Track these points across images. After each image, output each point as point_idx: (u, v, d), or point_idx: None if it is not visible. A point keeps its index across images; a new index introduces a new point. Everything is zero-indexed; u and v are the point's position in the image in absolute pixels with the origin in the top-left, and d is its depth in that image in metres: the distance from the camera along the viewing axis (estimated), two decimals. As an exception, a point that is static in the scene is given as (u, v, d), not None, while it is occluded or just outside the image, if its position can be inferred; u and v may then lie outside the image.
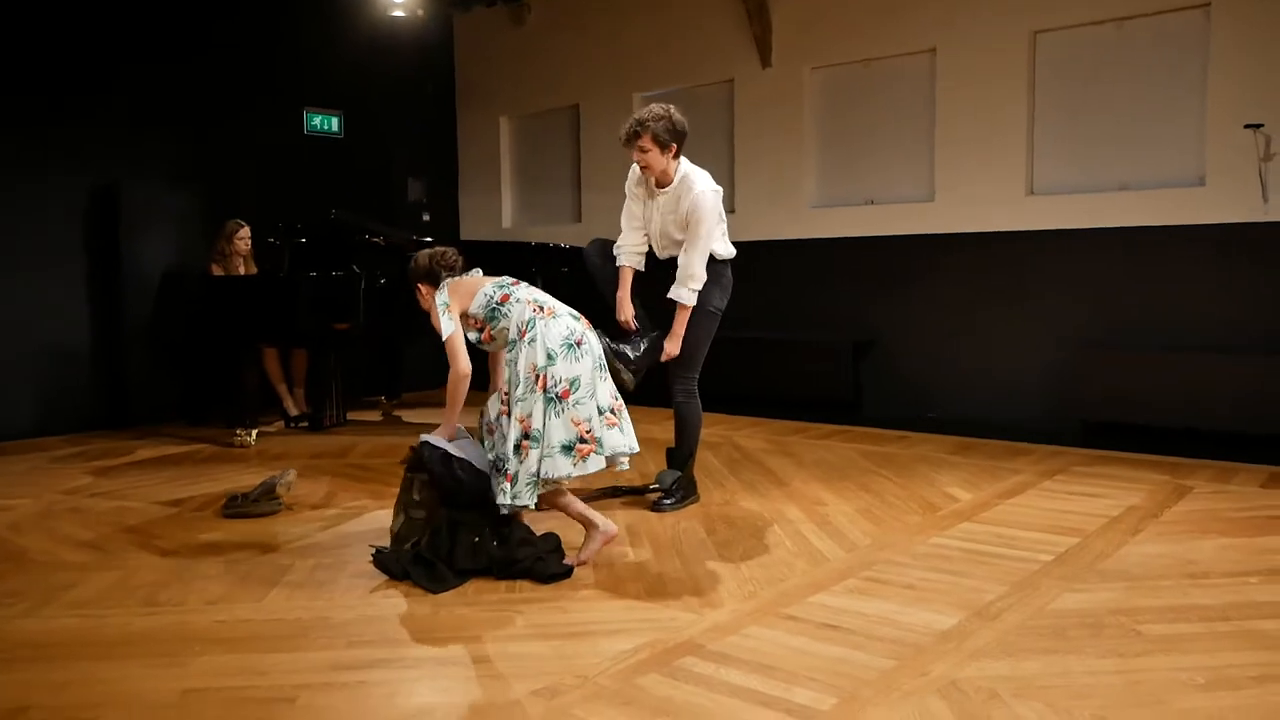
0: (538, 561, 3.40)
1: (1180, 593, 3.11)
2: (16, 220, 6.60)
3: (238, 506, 4.36)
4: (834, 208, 7.13)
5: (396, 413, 7.42)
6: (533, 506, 3.42)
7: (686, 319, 4.22)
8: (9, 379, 6.60)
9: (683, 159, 4.26)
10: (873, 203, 6.95)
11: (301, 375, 7.05)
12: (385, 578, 3.41)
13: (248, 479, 4.98)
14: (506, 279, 3.67)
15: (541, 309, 3.52)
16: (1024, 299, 6.22)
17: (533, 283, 3.75)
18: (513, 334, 3.49)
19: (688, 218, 4.17)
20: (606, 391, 3.54)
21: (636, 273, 4.41)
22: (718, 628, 2.87)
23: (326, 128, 8.28)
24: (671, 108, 4.17)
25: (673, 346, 4.22)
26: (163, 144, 7.30)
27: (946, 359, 6.52)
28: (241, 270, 6.76)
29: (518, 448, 3.38)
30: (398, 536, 3.61)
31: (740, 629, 2.85)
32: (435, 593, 3.25)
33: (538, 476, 3.36)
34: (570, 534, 3.65)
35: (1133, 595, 3.09)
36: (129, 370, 7.03)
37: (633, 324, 4.32)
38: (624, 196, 4.41)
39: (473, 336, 3.65)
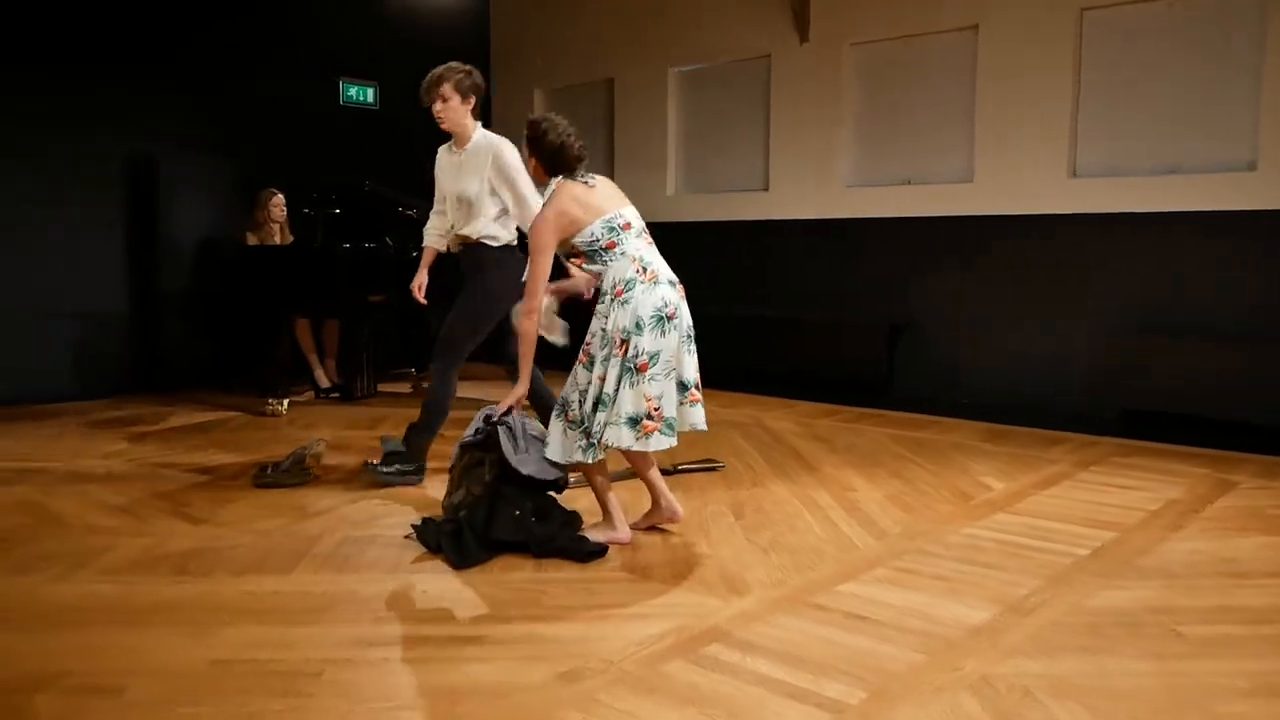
0: (572, 541, 3.39)
1: (1222, 593, 3.04)
2: (58, 187, 6.66)
3: (268, 476, 4.38)
4: (870, 187, 7.02)
5: (425, 385, 7.43)
6: (589, 460, 3.40)
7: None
8: (50, 342, 6.67)
9: (480, 126, 4.37)
10: (910, 183, 6.83)
11: (333, 346, 7.07)
12: (413, 553, 3.41)
13: (278, 448, 5.01)
14: (617, 217, 3.43)
15: (644, 270, 3.38)
16: (1064, 284, 6.09)
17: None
18: (606, 285, 3.39)
19: (492, 171, 4.25)
20: (692, 367, 3.45)
21: (440, 254, 4.61)
22: (745, 615, 2.83)
23: (362, 99, 8.26)
24: (471, 68, 4.33)
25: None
26: (200, 113, 7.32)
27: (982, 343, 6.42)
28: (277, 239, 6.77)
29: (596, 406, 3.34)
30: (456, 507, 3.60)
31: (768, 617, 2.82)
32: (459, 569, 3.24)
33: (599, 440, 3.32)
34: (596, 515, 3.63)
35: (1172, 594, 3.02)
36: (165, 336, 7.10)
37: (422, 294, 4.54)
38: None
39: (561, 252, 3.52)
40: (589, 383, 3.38)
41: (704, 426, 3.45)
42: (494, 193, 4.30)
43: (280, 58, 7.70)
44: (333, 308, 6.54)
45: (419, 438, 4.40)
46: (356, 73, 8.20)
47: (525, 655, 2.57)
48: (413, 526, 3.59)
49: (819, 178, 7.21)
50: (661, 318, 3.33)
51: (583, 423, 3.39)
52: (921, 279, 6.69)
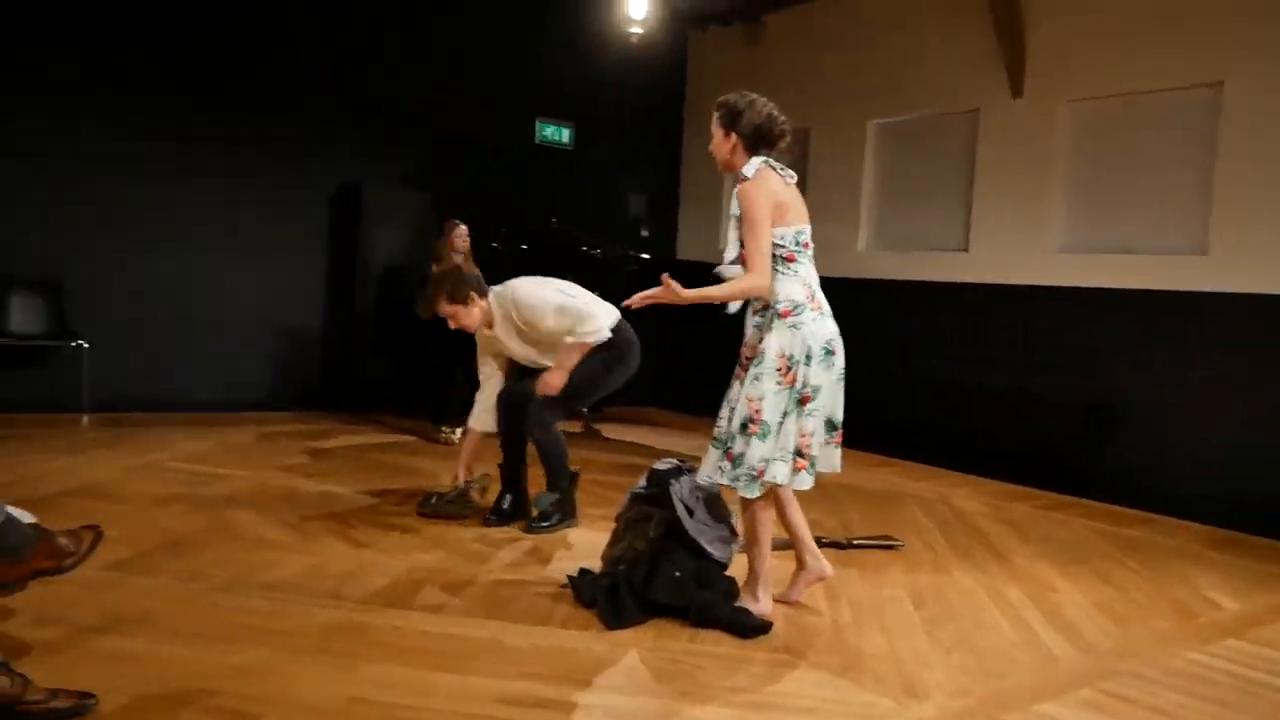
0: (735, 612, 3.15)
1: None
2: (274, 212, 7.10)
3: (432, 506, 4.36)
4: (1084, 254, 6.47)
5: (596, 426, 7.35)
6: (752, 495, 3.13)
7: (573, 357, 4.17)
8: (251, 354, 7.07)
9: (490, 293, 4.29)
10: (1131, 251, 6.25)
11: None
12: (566, 605, 3.25)
13: (446, 477, 5.00)
14: (803, 232, 3.20)
15: (812, 297, 3.17)
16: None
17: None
18: (770, 302, 3.16)
19: (524, 323, 4.19)
20: (840, 406, 3.25)
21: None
22: (923, 725, 2.50)
23: (557, 139, 8.38)
24: (451, 269, 4.42)
25: (552, 379, 4.14)
26: (404, 148, 7.64)
27: (1209, 434, 5.72)
28: (462, 269, 6.89)
29: (744, 428, 3.11)
30: (616, 560, 3.43)
31: (950, 731, 2.48)
32: (611, 628, 3.06)
33: (757, 473, 3.09)
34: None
35: None
36: (352, 357, 7.35)
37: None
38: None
39: (730, 254, 3.23)
40: (738, 399, 3.18)
41: (840, 468, 3.32)
42: (551, 321, 4.21)
43: (481, 97, 7.93)
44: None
45: (559, 482, 4.30)
46: (553, 113, 8.34)
47: (673, 740, 2.34)
48: (569, 577, 3.44)
49: (1026, 241, 6.72)
50: (829, 351, 3.15)
51: (725, 442, 3.18)
52: (1138, 356, 6.07)
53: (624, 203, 8.88)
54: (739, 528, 3.46)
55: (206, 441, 5.69)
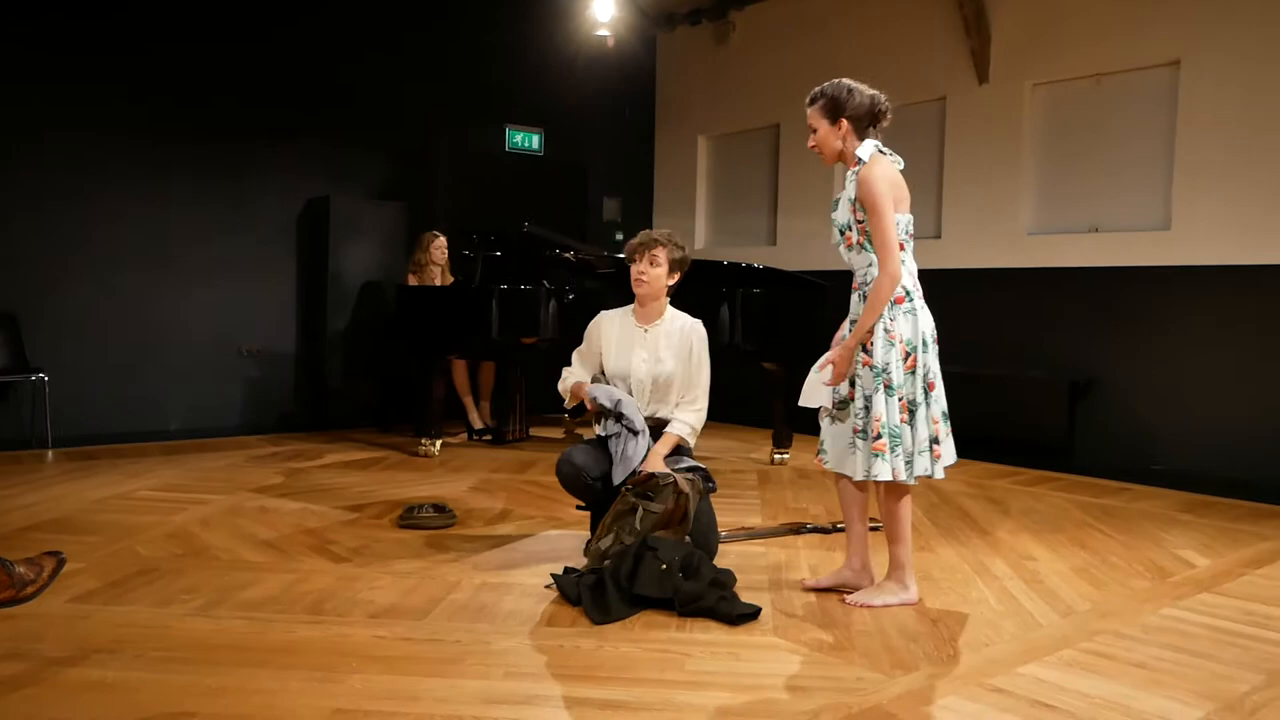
0: (721, 601, 3.15)
1: None
2: (238, 231, 7.03)
3: (413, 517, 4.33)
4: (1054, 235, 6.54)
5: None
6: (911, 481, 3.12)
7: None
8: (223, 379, 6.99)
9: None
10: (1098, 230, 6.33)
11: (488, 388, 7.09)
12: (552, 604, 3.24)
13: (427, 490, 4.98)
14: (910, 221, 3.17)
15: (917, 285, 3.16)
16: (1275, 341, 5.45)
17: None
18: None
19: (674, 362, 3.74)
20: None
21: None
22: (911, 694, 2.51)
23: (527, 145, 8.39)
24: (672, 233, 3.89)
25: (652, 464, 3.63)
26: (370, 159, 7.59)
27: (1177, 404, 5.81)
28: (438, 281, 6.87)
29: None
30: (602, 554, 3.43)
31: (937, 699, 2.48)
32: (598, 624, 3.05)
33: (912, 465, 3.10)
34: (749, 573, 3.37)
35: None
36: (328, 376, 7.30)
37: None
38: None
39: (840, 231, 3.20)
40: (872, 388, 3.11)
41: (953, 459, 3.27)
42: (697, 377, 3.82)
43: (449, 105, 7.92)
44: (487, 349, 6.55)
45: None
46: (523, 119, 8.34)
47: (661, 726, 2.34)
48: (553, 576, 3.43)
49: (997, 225, 6.79)
50: (934, 338, 3.17)
51: (865, 432, 3.12)
52: (1109, 334, 6.14)
53: (598, 206, 8.90)
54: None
55: (178, 470, 5.60)
